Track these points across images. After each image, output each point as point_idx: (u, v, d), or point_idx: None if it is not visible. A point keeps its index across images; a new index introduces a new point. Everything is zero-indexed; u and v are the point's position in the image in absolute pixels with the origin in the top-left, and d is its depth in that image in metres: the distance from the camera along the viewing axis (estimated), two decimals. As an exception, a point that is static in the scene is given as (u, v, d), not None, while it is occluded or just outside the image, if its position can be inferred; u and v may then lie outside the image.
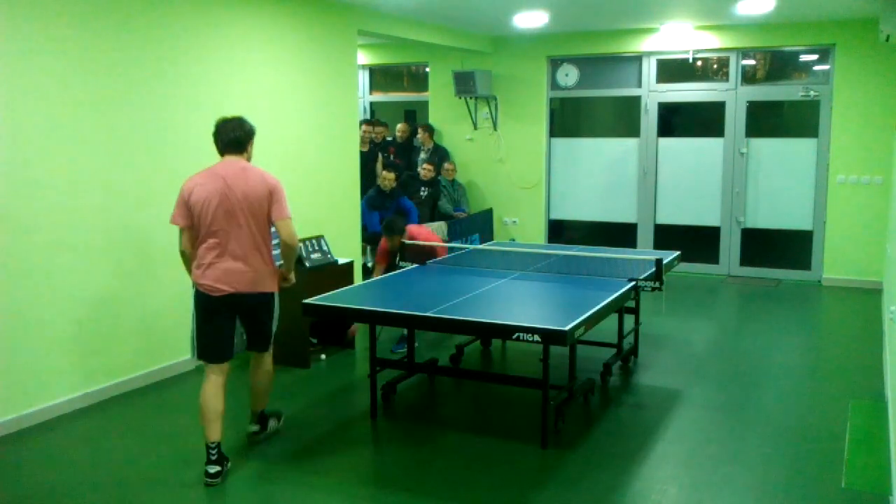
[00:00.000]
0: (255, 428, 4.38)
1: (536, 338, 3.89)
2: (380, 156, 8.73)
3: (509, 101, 9.89)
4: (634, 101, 9.45)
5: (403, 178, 9.08)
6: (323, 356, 6.02)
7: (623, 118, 9.70)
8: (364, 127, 8.85)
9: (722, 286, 8.73)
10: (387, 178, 7.83)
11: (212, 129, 5.75)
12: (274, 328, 4.19)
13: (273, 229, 4.02)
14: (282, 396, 5.05)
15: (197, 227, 3.89)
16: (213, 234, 3.87)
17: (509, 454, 4.25)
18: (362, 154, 8.03)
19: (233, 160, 3.96)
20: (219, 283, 3.89)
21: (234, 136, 3.98)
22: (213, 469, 3.86)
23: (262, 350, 4.21)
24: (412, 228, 6.23)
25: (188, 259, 3.99)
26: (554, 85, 9.81)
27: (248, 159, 4.06)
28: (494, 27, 9.03)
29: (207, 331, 3.99)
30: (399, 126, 10.00)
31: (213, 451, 3.89)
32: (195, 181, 3.91)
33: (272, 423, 4.46)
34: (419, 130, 9.76)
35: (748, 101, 8.92)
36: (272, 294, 4.08)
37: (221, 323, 3.99)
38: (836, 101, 8.40)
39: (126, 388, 5.21)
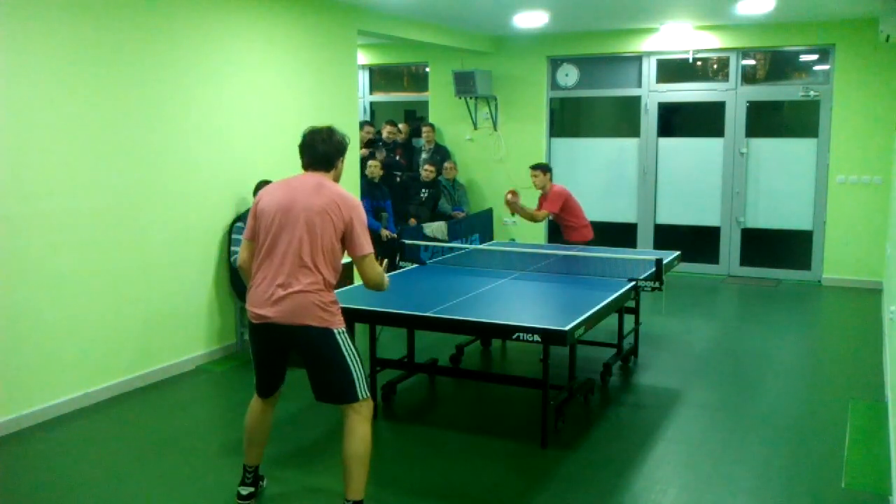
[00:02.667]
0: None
1: (536, 338, 3.89)
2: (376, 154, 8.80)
3: (509, 101, 9.89)
4: (634, 101, 9.45)
5: (404, 180, 9.10)
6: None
7: (623, 118, 9.70)
8: (388, 127, 9.13)
9: (722, 286, 8.73)
10: (373, 166, 7.99)
11: (211, 128, 5.83)
12: (350, 376, 3.36)
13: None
14: (282, 397, 5.04)
15: (257, 238, 3.42)
16: (265, 250, 3.36)
17: (509, 454, 4.25)
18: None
19: (312, 175, 3.45)
20: (257, 307, 3.35)
21: (320, 152, 3.44)
22: (245, 491, 3.64)
23: (334, 402, 3.44)
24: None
25: (246, 275, 3.52)
26: (554, 85, 9.81)
27: (337, 177, 3.53)
28: (494, 27, 9.04)
29: (254, 359, 3.54)
30: (400, 126, 10.00)
31: (248, 474, 3.65)
32: (267, 189, 3.50)
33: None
34: (424, 130, 9.77)
35: (748, 101, 8.93)
36: (327, 331, 3.33)
37: (263, 354, 3.50)
38: (836, 101, 8.40)
39: (126, 388, 5.21)
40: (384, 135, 9.47)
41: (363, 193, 7.86)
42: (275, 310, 3.31)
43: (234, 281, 6.00)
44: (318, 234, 3.29)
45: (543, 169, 6.92)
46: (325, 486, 3.87)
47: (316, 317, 3.30)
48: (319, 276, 3.32)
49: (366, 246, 3.38)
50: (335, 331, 3.36)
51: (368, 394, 3.45)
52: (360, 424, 3.38)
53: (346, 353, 3.37)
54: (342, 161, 3.55)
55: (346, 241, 3.37)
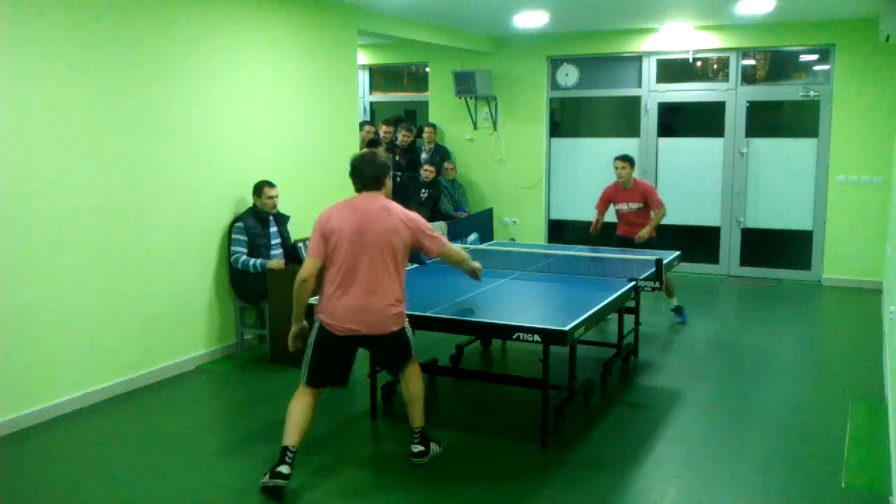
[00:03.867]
0: (417, 448, 4.09)
1: (536, 338, 3.89)
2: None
3: (509, 101, 9.89)
4: (634, 101, 9.45)
5: (404, 180, 9.10)
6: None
7: (623, 118, 9.70)
8: (385, 127, 9.02)
9: (722, 286, 8.73)
10: None
11: (210, 128, 5.83)
12: (412, 346, 4.06)
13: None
14: (283, 396, 5.05)
15: (329, 257, 3.81)
16: (342, 268, 3.78)
17: (509, 454, 4.25)
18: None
19: (372, 196, 3.89)
20: (343, 321, 3.80)
21: (369, 175, 3.89)
22: (286, 470, 3.70)
23: (401, 366, 4.10)
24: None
25: (307, 289, 3.82)
26: (554, 85, 9.81)
27: (388, 193, 4.00)
28: (494, 27, 9.03)
29: (323, 362, 3.90)
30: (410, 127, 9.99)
31: (290, 454, 3.74)
32: (333, 210, 3.89)
33: (434, 447, 4.17)
34: (426, 130, 9.76)
35: (748, 101, 8.92)
36: (403, 329, 3.96)
37: (340, 358, 3.94)
38: (836, 101, 8.39)
39: (127, 388, 5.21)
40: (381, 134, 9.46)
41: None
42: (364, 324, 3.81)
43: (234, 281, 6.00)
44: (393, 252, 3.82)
45: (632, 162, 7.01)
46: (326, 486, 3.87)
47: (396, 323, 3.90)
48: (394, 289, 3.86)
49: (439, 245, 4.00)
50: (406, 327, 4.00)
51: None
52: (414, 371, 4.11)
53: (410, 337, 4.05)
54: (388, 178, 4.00)
55: (425, 247, 3.97)
